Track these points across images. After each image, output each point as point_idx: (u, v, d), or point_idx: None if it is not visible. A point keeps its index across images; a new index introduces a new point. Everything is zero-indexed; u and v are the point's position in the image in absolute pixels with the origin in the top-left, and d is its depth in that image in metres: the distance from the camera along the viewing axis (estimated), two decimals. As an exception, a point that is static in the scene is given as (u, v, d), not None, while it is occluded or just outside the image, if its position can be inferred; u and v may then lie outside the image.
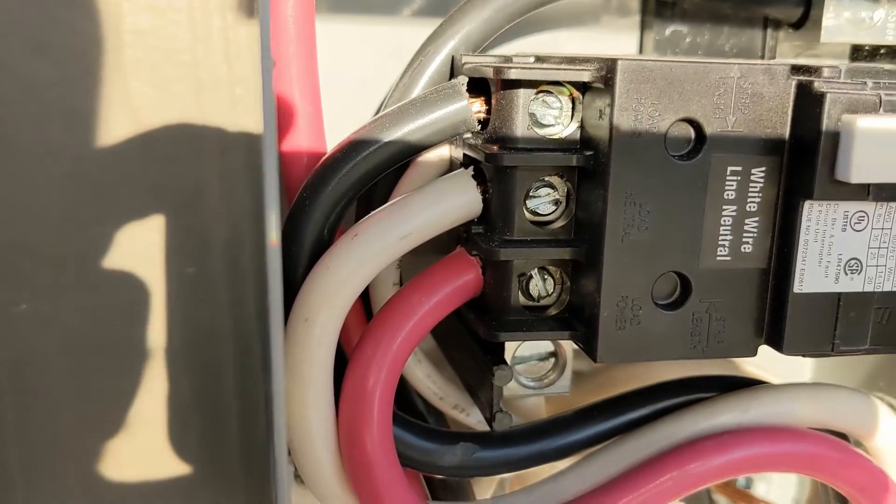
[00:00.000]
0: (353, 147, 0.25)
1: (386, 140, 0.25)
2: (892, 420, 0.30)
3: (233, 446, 0.35)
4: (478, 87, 0.26)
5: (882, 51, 0.33)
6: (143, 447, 0.34)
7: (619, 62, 0.22)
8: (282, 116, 0.27)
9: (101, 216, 0.31)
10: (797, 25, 0.33)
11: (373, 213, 0.25)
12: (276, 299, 0.22)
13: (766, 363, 0.34)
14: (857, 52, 0.34)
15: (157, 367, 0.33)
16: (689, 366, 0.33)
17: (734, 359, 0.36)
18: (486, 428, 0.29)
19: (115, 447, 0.33)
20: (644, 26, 0.34)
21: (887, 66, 0.24)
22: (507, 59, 0.26)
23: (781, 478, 0.42)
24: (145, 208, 0.32)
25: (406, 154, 0.25)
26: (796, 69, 0.23)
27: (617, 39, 0.34)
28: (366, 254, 0.24)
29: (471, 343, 0.29)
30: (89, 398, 0.33)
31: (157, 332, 0.33)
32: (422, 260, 0.31)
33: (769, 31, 0.34)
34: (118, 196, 0.31)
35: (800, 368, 0.41)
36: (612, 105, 0.22)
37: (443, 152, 0.28)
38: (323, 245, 0.25)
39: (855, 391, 0.29)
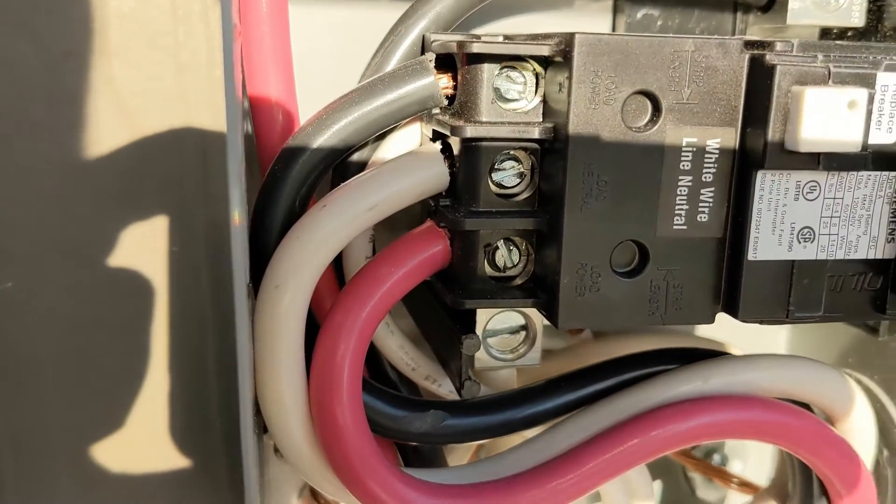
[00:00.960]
0: (322, 122, 0.26)
1: (355, 115, 0.26)
2: (854, 391, 0.31)
3: (214, 422, 0.36)
4: (446, 64, 0.26)
5: (849, 33, 0.34)
6: (126, 424, 0.34)
7: (577, 36, 0.23)
8: (255, 94, 0.28)
9: (84, 196, 0.32)
10: (765, 8, 0.34)
11: (342, 184, 0.26)
12: (240, 279, 0.23)
13: (741, 343, 0.35)
14: (826, 36, 0.34)
15: (142, 345, 0.34)
16: (661, 342, 0.33)
17: (709, 337, 0.36)
18: (458, 398, 0.30)
19: (100, 425, 0.34)
20: (616, 10, 0.35)
21: (841, 42, 0.25)
22: (476, 36, 0.27)
23: (757, 456, 0.43)
24: (129, 188, 0.32)
25: (375, 128, 0.26)
26: (750, 44, 0.24)
27: (590, 23, 0.35)
28: (334, 223, 0.25)
29: (442, 315, 0.29)
30: (76, 375, 0.34)
31: (142, 309, 0.34)
32: (397, 235, 0.32)
33: (738, 14, 0.35)
34: (101, 176, 0.32)
35: (775, 347, 0.42)
36: (570, 78, 0.23)
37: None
38: (294, 216, 0.26)
39: (816, 362, 0.30)
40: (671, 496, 0.43)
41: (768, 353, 0.30)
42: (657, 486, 0.43)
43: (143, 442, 0.34)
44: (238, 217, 0.21)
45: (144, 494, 0.35)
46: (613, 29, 0.35)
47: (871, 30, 0.33)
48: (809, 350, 0.41)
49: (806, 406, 0.30)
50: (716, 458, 0.42)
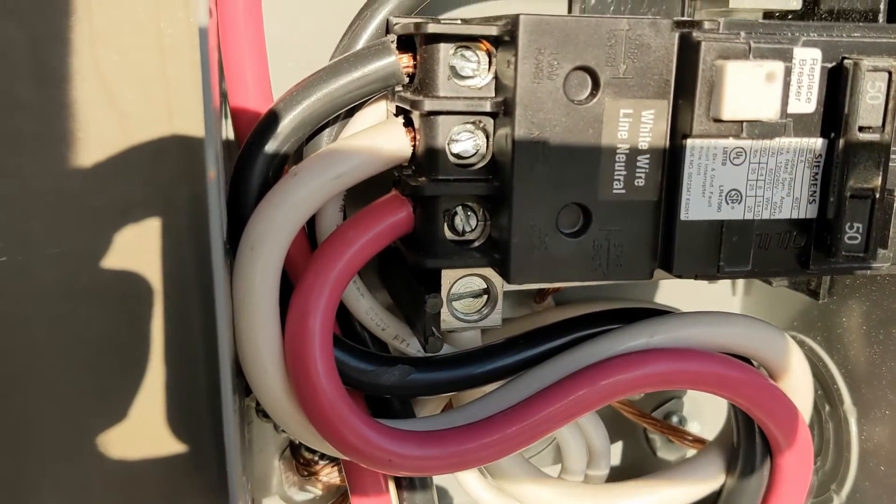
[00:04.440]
0: (293, 99, 0.28)
1: (322, 92, 0.28)
2: (789, 343, 0.33)
3: (200, 386, 0.38)
4: (407, 45, 0.29)
5: (789, 16, 0.36)
6: (120, 416, 0.37)
7: (521, 17, 0.25)
8: (231, 75, 0.30)
9: (70, 168, 0.34)
10: (711, -7, 0.36)
11: (312, 155, 0.28)
12: (215, 230, 0.25)
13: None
14: (768, 18, 0.37)
15: (129, 314, 0.36)
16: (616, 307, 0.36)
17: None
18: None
19: (94, 418, 0.36)
20: (572, -4, 0.37)
21: (765, 21, 0.27)
22: (434, 19, 0.29)
23: (712, 417, 0.45)
24: (113, 162, 0.35)
25: (342, 104, 0.28)
26: (680, 23, 0.26)
27: (546, 8, 0.37)
28: (304, 190, 0.27)
29: (410, 281, 0.32)
30: (65, 343, 0.36)
31: (128, 279, 0.36)
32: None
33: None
34: (87, 150, 0.34)
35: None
36: (516, 55, 0.25)
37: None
38: (268, 186, 0.28)
39: (754, 319, 0.33)
40: (633, 457, 0.46)
41: (709, 311, 0.32)
42: (620, 447, 0.46)
43: (137, 432, 0.36)
44: (213, 173, 0.24)
45: (138, 481, 0.37)
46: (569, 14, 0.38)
47: (809, 12, 0.36)
48: (760, 317, 0.43)
49: (747, 361, 0.33)
50: (674, 419, 0.45)
